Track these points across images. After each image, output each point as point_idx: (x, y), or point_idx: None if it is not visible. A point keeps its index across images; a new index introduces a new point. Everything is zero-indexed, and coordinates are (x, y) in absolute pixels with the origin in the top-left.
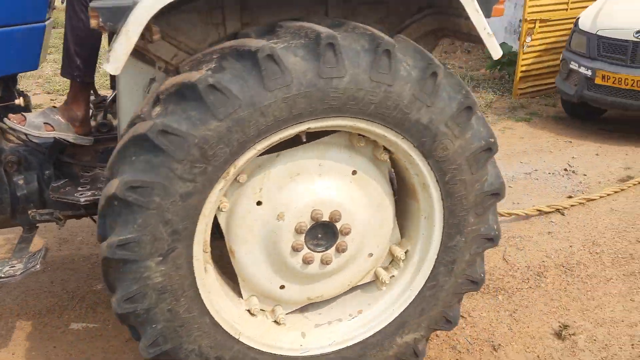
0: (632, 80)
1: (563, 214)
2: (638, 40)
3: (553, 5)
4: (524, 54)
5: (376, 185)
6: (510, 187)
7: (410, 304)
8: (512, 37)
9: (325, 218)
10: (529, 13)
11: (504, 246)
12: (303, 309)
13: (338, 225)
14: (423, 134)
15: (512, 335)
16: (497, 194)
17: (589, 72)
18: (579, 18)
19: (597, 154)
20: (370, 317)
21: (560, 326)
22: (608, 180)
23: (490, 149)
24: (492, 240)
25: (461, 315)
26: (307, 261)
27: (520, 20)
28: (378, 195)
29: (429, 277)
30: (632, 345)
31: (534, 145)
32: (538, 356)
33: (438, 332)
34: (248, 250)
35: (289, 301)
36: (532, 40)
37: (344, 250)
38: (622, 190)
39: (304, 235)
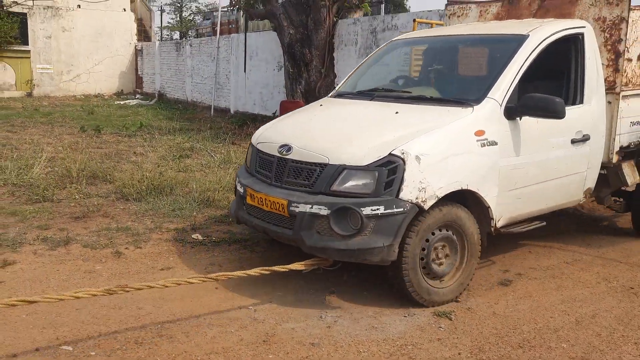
0: (270, 201)
1: (451, 319)
2: (281, 155)
3: None
4: None
5: None
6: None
7: None
8: None
9: None
10: None
11: (397, 355)
12: None
13: None
14: None
15: None
16: None
17: (242, 190)
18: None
19: None
20: None
21: None
22: (488, 283)
23: None
24: None
25: None
26: None
27: None
28: None
29: None
30: None
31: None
32: None
33: None
34: None
35: None
36: None
37: None
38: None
39: None
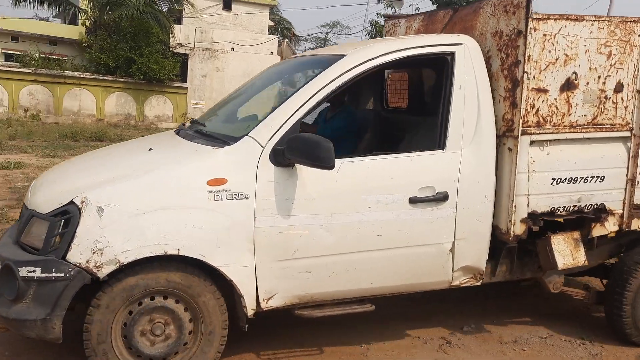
0: None
1: None
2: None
3: None
4: None
5: None
6: (524, 350)
7: None
8: None
9: None
10: None
11: None
12: None
13: None
14: None
15: None
16: None
17: None
18: None
19: None
20: None
21: None
22: (627, 356)
23: None
24: None
25: None
26: None
27: None
28: None
29: None
30: None
31: (553, 307)
32: None
33: None
34: None
35: None
36: None
37: None
38: None
39: None
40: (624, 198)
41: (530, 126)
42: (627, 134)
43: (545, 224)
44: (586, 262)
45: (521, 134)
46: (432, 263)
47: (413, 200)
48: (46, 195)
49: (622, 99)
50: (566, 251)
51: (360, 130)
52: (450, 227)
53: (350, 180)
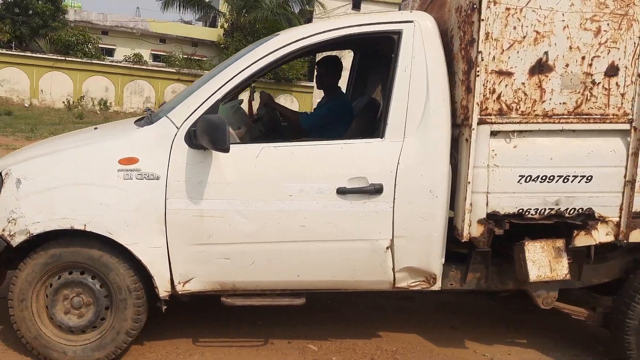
0: None
1: None
2: None
3: None
4: None
5: None
6: None
7: None
8: None
9: None
10: None
11: None
12: None
13: None
14: None
15: None
16: None
17: None
18: None
19: None
20: None
21: None
22: None
23: None
24: None
25: None
26: None
27: None
28: None
29: None
30: None
31: None
32: None
33: None
34: None
35: None
36: None
37: None
38: None
39: None
40: (621, 204)
41: (490, 114)
42: (626, 126)
43: (531, 229)
44: (568, 275)
45: (478, 123)
46: (367, 260)
47: (341, 191)
48: None
49: (617, 84)
50: (543, 261)
51: (351, 117)
52: (386, 223)
53: (271, 166)
